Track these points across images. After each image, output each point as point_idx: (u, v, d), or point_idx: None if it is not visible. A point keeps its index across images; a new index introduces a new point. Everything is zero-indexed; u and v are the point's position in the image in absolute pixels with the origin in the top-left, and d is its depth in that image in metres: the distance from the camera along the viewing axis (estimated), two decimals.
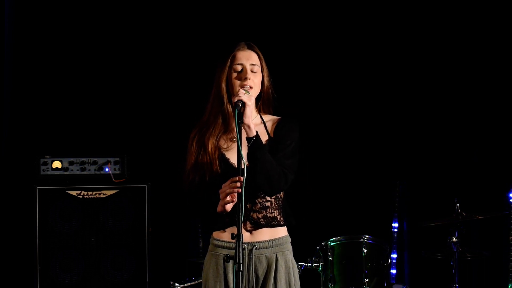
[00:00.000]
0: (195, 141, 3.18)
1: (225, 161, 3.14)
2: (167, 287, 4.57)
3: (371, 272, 4.55)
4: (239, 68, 3.16)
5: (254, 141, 3.01)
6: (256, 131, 3.03)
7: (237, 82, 3.13)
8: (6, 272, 5.24)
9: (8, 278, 5.24)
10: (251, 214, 3.12)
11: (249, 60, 3.16)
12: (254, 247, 3.11)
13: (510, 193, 5.02)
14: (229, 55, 3.18)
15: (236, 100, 3.00)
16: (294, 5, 5.51)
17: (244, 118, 2.99)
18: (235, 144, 3.15)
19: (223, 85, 3.16)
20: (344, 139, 5.52)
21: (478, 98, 5.38)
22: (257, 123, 3.20)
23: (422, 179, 5.45)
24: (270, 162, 3.03)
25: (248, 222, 3.12)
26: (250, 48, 3.20)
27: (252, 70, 3.15)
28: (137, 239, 4.93)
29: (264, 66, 3.20)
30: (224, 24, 5.43)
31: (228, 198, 2.95)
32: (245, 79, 3.12)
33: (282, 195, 3.20)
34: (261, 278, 3.13)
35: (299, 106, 5.35)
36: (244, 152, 3.03)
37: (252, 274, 3.10)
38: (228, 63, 3.16)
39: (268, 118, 3.24)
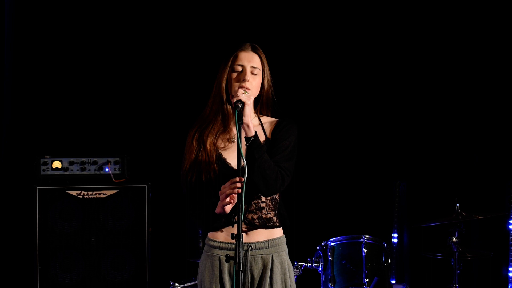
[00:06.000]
0: (195, 138, 3.18)
1: (222, 161, 3.14)
2: (167, 287, 4.58)
3: (371, 272, 4.56)
4: (239, 68, 3.15)
5: (252, 141, 3.00)
6: (255, 131, 3.03)
7: (236, 83, 3.13)
8: (6, 272, 5.24)
9: (8, 278, 5.24)
10: (246, 215, 3.12)
11: (251, 62, 3.15)
12: (250, 247, 3.10)
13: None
14: (232, 54, 3.17)
15: (235, 101, 3.00)
16: (293, 6, 5.51)
17: (243, 117, 2.99)
18: (232, 144, 3.16)
19: (223, 84, 3.16)
20: (344, 139, 5.52)
21: (479, 99, 5.39)
22: (255, 124, 3.19)
23: (422, 179, 5.46)
24: (268, 162, 3.02)
25: (242, 223, 3.11)
26: (254, 50, 3.19)
27: (252, 72, 3.15)
28: (137, 239, 4.93)
29: (266, 69, 3.20)
30: (224, 25, 5.43)
31: (228, 199, 2.95)
32: (244, 80, 3.12)
33: (278, 197, 3.20)
34: (257, 278, 3.13)
35: (298, 106, 5.36)
36: (243, 152, 3.02)
37: (248, 274, 3.10)
38: (230, 63, 3.16)
39: (265, 119, 3.24)
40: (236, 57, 3.16)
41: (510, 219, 4.99)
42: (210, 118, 3.19)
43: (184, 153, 3.20)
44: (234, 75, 3.15)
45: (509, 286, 4.98)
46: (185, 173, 3.15)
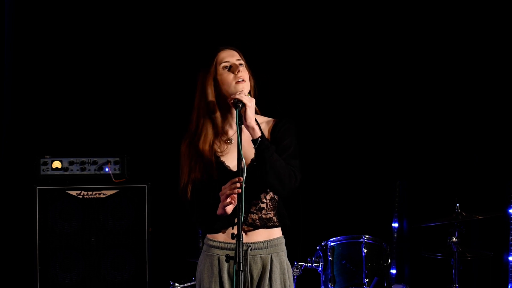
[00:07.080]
0: (190, 149, 3.14)
1: (221, 165, 3.12)
2: (167, 287, 4.58)
3: (371, 272, 4.56)
4: (227, 65, 3.12)
5: (260, 142, 2.98)
6: (262, 132, 3.02)
7: (230, 77, 3.09)
8: (6, 272, 5.24)
9: (8, 278, 5.24)
10: (247, 216, 3.11)
11: (234, 56, 3.14)
12: (249, 247, 3.10)
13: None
14: (213, 57, 3.14)
15: (234, 100, 2.98)
16: (293, 5, 5.51)
17: (248, 119, 2.97)
18: (230, 146, 3.14)
19: (209, 90, 3.12)
20: (344, 139, 5.52)
21: (479, 99, 5.39)
22: None
23: (422, 178, 5.46)
24: (279, 161, 3.02)
25: (243, 224, 3.10)
26: (232, 47, 3.18)
27: (240, 65, 3.13)
28: (137, 239, 4.93)
29: (247, 66, 3.17)
30: (224, 25, 5.42)
31: (228, 200, 2.94)
32: (238, 71, 3.09)
33: (277, 196, 3.18)
34: (256, 279, 3.12)
35: (298, 106, 5.36)
36: (243, 153, 3.02)
37: (247, 274, 3.10)
38: (214, 64, 3.12)
39: (261, 119, 3.19)
40: (219, 57, 3.14)
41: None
42: (200, 129, 3.13)
43: (180, 167, 3.15)
44: (224, 73, 3.11)
45: (509, 286, 4.98)
46: (184, 186, 3.12)
